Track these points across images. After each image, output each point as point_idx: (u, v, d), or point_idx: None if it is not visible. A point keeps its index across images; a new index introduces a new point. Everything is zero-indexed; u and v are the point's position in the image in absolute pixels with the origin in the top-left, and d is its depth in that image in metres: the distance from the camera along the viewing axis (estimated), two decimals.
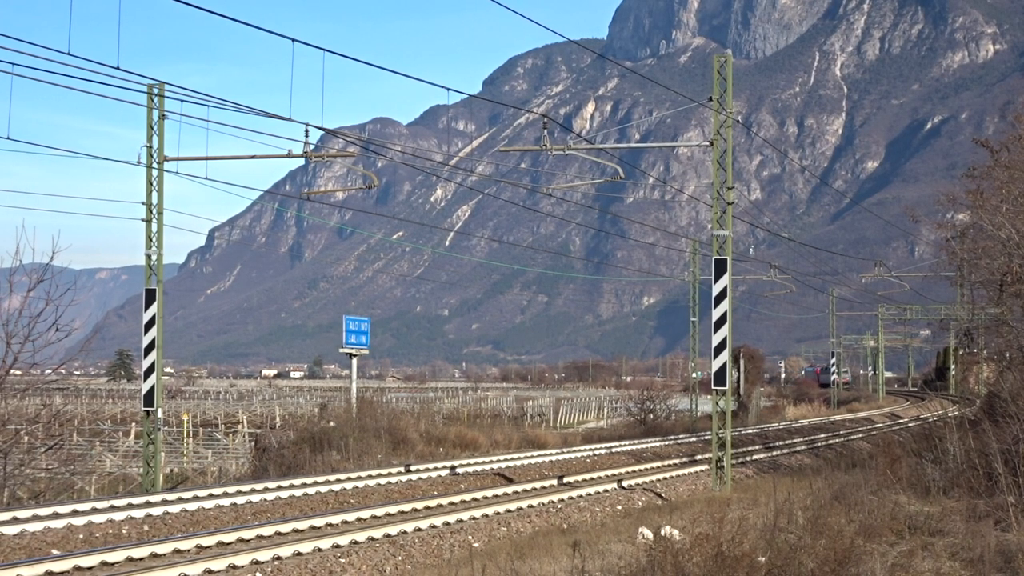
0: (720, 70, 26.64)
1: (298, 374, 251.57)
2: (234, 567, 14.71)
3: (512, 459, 30.31)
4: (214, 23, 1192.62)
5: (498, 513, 20.26)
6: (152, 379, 27.02)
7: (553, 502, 21.98)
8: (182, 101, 27.77)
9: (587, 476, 26.97)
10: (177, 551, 15.91)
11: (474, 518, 19.55)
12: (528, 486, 24.40)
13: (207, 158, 27.16)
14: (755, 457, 33.60)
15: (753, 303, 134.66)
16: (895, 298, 79.71)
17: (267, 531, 17.53)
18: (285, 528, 17.83)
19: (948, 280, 42.70)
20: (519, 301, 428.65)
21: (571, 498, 22.65)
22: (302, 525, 18.17)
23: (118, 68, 18.36)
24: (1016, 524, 16.61)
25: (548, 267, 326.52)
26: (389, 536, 17.42)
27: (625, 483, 25.14)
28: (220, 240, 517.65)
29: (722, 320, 25.88)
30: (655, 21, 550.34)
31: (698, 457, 32.19)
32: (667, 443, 38.43)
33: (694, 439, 40.22)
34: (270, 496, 22.23)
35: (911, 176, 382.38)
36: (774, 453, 35.36)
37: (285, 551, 15.66)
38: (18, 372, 24.84)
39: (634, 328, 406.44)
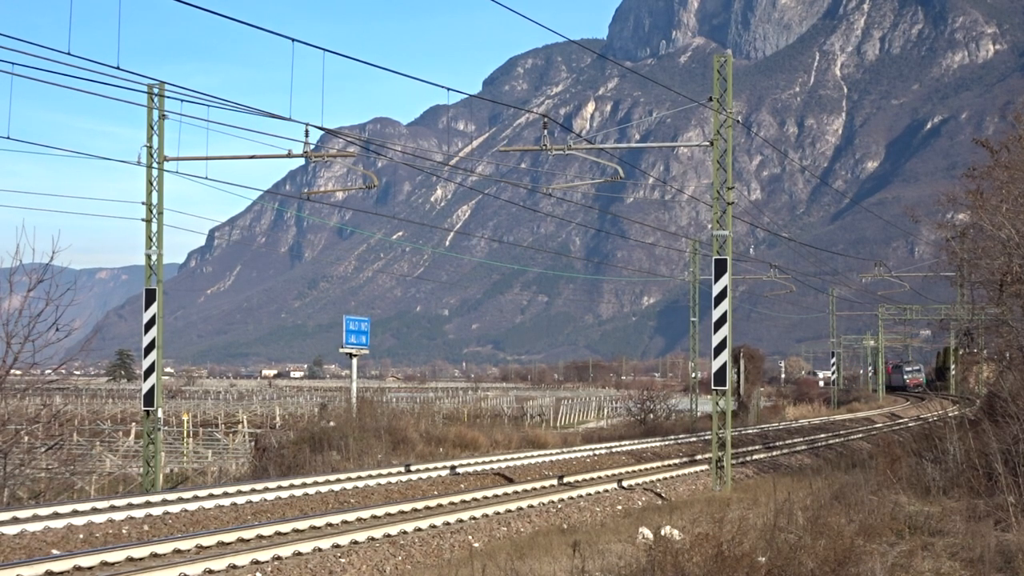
0: (720, 70, 26.65)
1: (298, 374, 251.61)
2: (234, 567, 14.71)
3: (512, 459, 30.30)
4: (214, 23, 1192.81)
5: (498, 513, 20.26)
6: (152, 379, 27.02)
7: (553, 502, 21.98)
8: (182, 101, 27.85)
9: (587, 476, 26.96)
10: (177, 551, 15.91)
11: (474, 518, 19.55)
12: (528, 486, 24.40)
13: (207, 158, 27.18)
14: (755, 457, 33.60)
15: (753, 303, 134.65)
16: (895, 298, 79.68)
17: (267, 531, 17.53)
18: (285, 528, 17.83)
19: (948, 280, 42.70)
20: (519, 301, 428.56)
21: (571, 498, 22.65)
22: (302, 525, 18.17)
23: (118, 68, 18.38)
24: (1016, 524, 16.60)
25: (548, 267, 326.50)
26: (389, 536, 17.43)
27: (625, 483, 25.14)
28: (220, 240, 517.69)
29: (722, 320, 25.88)
30: (655, 21, 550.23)
31: (698, 457, 32.19)
32: (667, 443, 38.43)
33: (694, 439, 40.21)
34: (270, 496, 22.23)
35: (911, 176, 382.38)
36: (774, 453, 35.35)
37: (285, 551, 15.66)
38: (18, 372, 24.84)
39: (634, 328, 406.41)
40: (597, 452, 34.07)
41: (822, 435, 43.64)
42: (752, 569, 12.31)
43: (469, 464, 28.89)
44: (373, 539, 17.09)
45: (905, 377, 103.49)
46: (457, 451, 35.63)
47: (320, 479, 24.90)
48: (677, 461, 31.72)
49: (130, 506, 20.26)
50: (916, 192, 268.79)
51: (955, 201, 31.65)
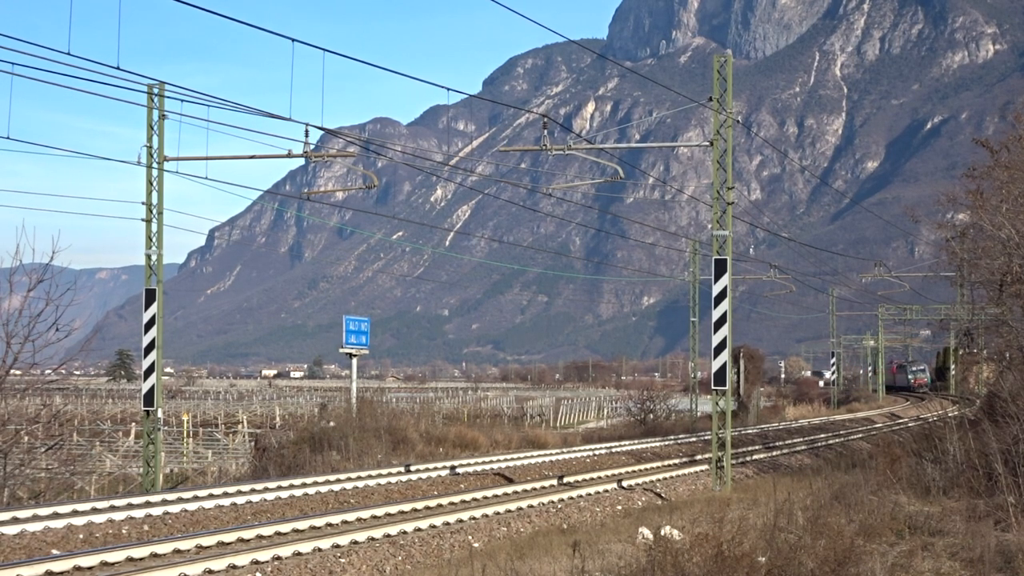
0: (720, 70, 26.64)
1: (298, 374, 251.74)
2: (234, 567, 14.71)
3: (512, 459, 30.30)
4: (214, 23, 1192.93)
5: (498, 513, 20.26)
6: (152, 379, 27.02)
7: (553, 502, 21.98)
8: (182, 101, 27.84)
9: (587, 476, 26.96)
10: (177, 551, 15.91)
11: (474, 518, 19.54)
12: (528, 486, 24.40)
13: (207, 158, 27.17)
14: (755, 457, 33.60)
15: (753, 303, 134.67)
16: (895, 298, 79.65)
17: (267, 531, 17.52)
18: (285, 528, 17.83)
19: (948, 280, 42.71)
20: (519, 301, 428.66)
21: (571, 498, 22.65)
22: (302, 525, 18.17)
23: (118, 68, 18.37)
24: (1016, 524, 16.60)
25: (548, 267, 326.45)
26: (389, 536, 17.42)
27: (625, 483, 25.14)
28: (220, 240, 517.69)
29: (722, 320, 25.87)
30: (655, 21, 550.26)
31: (698, 457, 32.19)
32: (667, 443, 38.42)
33: (694, 439, 40.21)
34: (270, 496, 22.23)
35: (911, 176, 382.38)
36: (774, 453, 35.35)
37: (285, 551, 15.66)
38: (18, 372, 24.83)
39: (634, 328, 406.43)
40: (597, 452, 34.06)
41: (822, 435, 43.63)
42: (752, 569, 12.31)
43: (469, 464, 28.88)
44: (373, 539, 17.09)
45: (910, 377, 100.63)
46: (457, 451, 35.63)
47: (320, 479, 24.90)
48: (677, 461, 31.71)
49: (130, 506, 20.26)
50: (916, 192, 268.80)
51: (955, 201, 31.66)
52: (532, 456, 31.52)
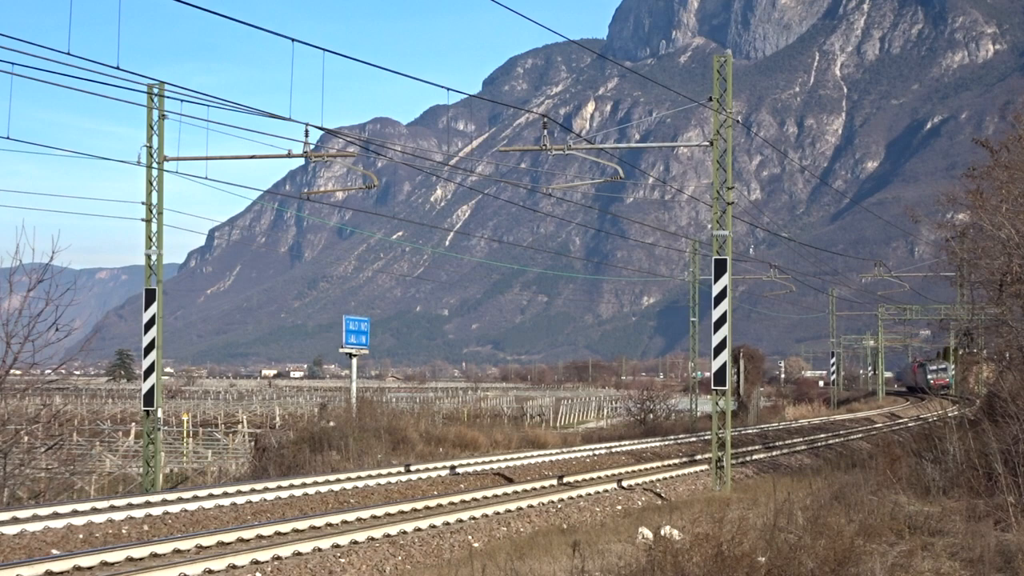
0: (720, 70, 26.64)
1: (298, 374, 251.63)
2: (234, 567, 14.70)
3: (512, 459, 30.30)
4: (214, 23, 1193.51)
5: (498, 513, 20.26)
6: (152, 379, 27.02)
7: (553, 502, 21.98)
8: (182, 101, 27.84)
9: (587, 476, 26.95)
10: (177, 551, 15.91)
11: (474, 518, 19.54)
12: (528, 486, 24.39)
13: (207, 158, 27.17)
14: (755, 457, 33.59)
15: (753, 303, 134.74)
16: (895, 298, 79.61)
17: (267, 531, 17.52)
18: (285, 528, 17.83)
19: (948, 280, 42.74)
20: (519, 301, 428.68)
21: (571, 498, 22.65)
22: (302, 525, 18.17)
23: (118, 68, 18.37)
24: (1016, 524, 16.59)
25: (548, 267, 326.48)
26: (389, 536, 17.42)
27: (625, 483, 25.14)
28: (220, 240, 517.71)
29: (722, 320, 25.88)
30: (655, 21, 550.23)
31: (698, 457, 32.18)
32: (667, 443, 38.42)
33: (694, 439, 40.21)
34: (270, 496, 22.22)
35: (911, 176, 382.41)
36: (774, 453, 35.35)
37: (285, 551, 15.66)
38: (18, 372, 24.83)
39: (634, 328, 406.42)
40: (597, 452, 34.06)
41: (822, 435, 43.63)
42: (752, 569, 12.31)
43: (469, 464, 28.88)
44: (373, 539, 17.09)
45: (929, 377, 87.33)
46: (457, 451, 35.63)
47: (320, 479, 24.89)
48: (677, 461, 31.70)
49: (130, 506, 20.26)
50: (916, 192, 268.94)
51: (955, 201, 31.68)
52: (532, 456, 31.52)
